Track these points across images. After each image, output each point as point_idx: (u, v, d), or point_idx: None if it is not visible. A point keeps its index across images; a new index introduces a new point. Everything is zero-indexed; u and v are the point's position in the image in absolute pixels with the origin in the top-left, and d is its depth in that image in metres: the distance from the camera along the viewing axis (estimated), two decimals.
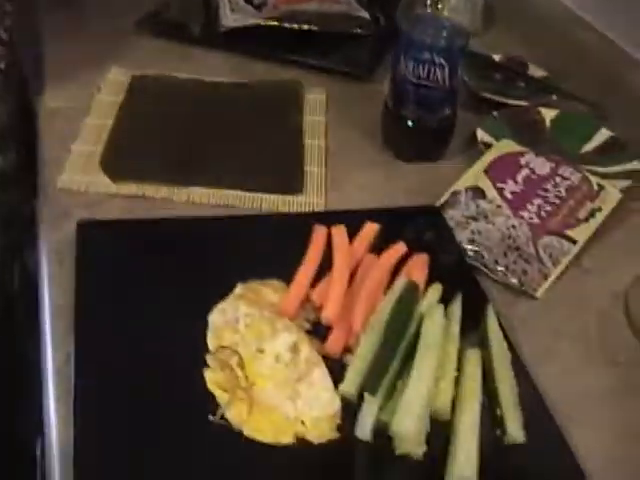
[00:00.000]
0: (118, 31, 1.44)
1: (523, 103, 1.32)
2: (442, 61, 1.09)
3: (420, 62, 1.10)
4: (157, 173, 1.10)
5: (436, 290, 0.91)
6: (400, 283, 0.90)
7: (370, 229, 0.98)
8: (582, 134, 1.27)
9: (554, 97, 1.35)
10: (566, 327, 0.96)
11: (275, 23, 1.44)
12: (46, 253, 0.99)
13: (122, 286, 0.91)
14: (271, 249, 0.96)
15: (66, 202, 1.06)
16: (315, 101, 1.30)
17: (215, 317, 0.87)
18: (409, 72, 1.12)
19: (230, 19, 1.46)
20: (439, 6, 1.09)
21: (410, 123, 1.16)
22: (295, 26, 1.45)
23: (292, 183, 1.11)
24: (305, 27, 1.45)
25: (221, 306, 0.88)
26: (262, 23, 1.44)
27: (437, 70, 1.10)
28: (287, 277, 0.92)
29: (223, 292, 0.90)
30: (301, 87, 1.32)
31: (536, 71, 1.42)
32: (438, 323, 0.85)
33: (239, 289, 0.90)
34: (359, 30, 1.48)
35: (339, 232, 0.97)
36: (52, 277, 0.95)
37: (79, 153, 1.15)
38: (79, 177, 1.10)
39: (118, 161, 1.13)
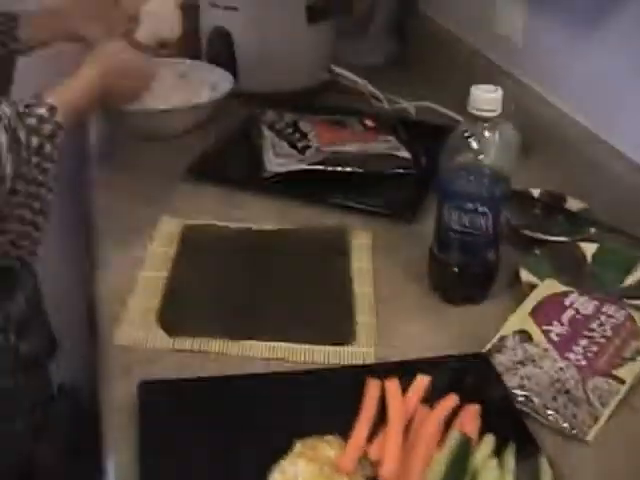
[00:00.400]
0: (166, 178, 1.50)
1: (563, 239, 1.34)
2: (485, 209, 1.13)
3: (463, 211, 1.14)
4: (210, 327, 1.14)
5: (489, 442, 0.93)
6: (454, 437, 0.92)
7: (421, 382, 1.01)
8: (623, 267, 1.29)
9: (593, 230, 1.37)
10: (618, 472, 0.97)
11: (319, 167, 1.49)
12: (107, 411, 1.02)
13: (184, 446, 0.93)
14: (327, 404, 0.99)
15: (123, 359, 1.09)
16: (362, 247, 1.33)
17: (275, 476, 0.89)
18: (453, 220, 1.15)
19: (274, 164, 1.51)
20: (479, 156, 1.12)
21: (456, 269, 1.19)
22: (338, 168, 1.49)
23: (343, 334, 1.14)
24: (348, 169, 1.49)
25: (281, 465, 0.90)
26: (306, 167, 1.49)
27: (480, 218, 1.14)
28: (344, 432, 0.94)
29: (283, 450, 0.92)
30: (347, 233, 1.36)
31: (574, 204, 1.45)
32: (493, 478, 0.87)
33: (298, 447, 0.92)
34: (401, 170, 1.52)
35: (392, 386, 0.99)
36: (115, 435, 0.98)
37: (135, 307, 1.18)
38: (136, 332, 1.14)
39: (174, 315, 1.16)
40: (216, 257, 1.29)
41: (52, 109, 1.22)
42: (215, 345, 1.12)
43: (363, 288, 1.23)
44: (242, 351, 1.11)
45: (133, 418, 0.98)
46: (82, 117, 1.39)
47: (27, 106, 1.20)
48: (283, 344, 1.11)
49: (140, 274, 1.26)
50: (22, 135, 1.15)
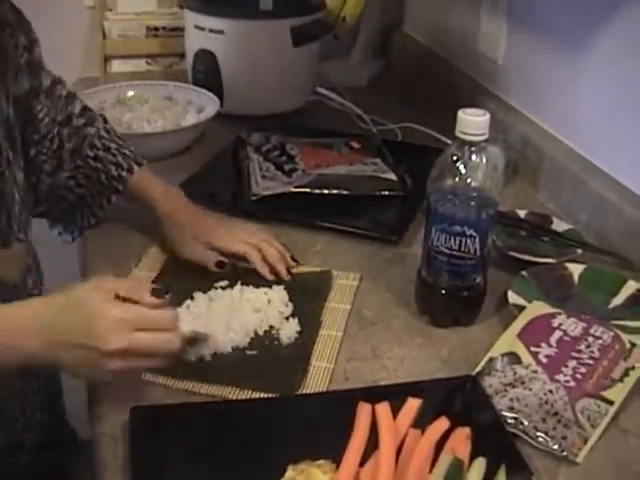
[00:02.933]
0: None
1: (550, 260, 1.35)
2: (472, 232, 1.14)
3: (451, 234, 1.15)
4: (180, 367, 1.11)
5: (480, 465, 0.93)
6: (445, 460, 0.92)
7: (412, 405, 1.01)
8: (609, 288, 1.30)
9: (579, 251, 1.38)
10: None
11: (305, 190, 1.50)
12: (99, 437, 1.02)
13: (176, 472, 0.94)
14: (318, 428, 0.99)
15: (114, 384, 1.09)
16: (344, 288, 1.31)
17: None
18: (441, 243, 1.16)
19: (261, 187, 1.51)
20: (467, 179, 1.13)
21: (444, 292, 1.19)
22: (325, 191, 1.50)
23: (291, 382, 1.11)
24: (334, 191, 1.50)
25: None
26: (292, 190, 1.49)
27: (468, 241, 1.15)
28: (335, 456, 0.95)
29: (275, 475, 0.92)
30: (332, 276, 1.34)
31: (560, 225, 1.47)
32: None
33: (290, 471, 0.92)
34: (387, 192, 1.52)
35: (383, 410, 0.99)
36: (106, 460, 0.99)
37: None
38: None
39: None
40: (189, 289, 1.26)
41: None
42: (159, 379, 1.11)
43: (330, 331, 1.21)
44: (190, 387, 1.09)
45: (123, 444, 0.99)
46: None
47: None
48: (229, 388, 1.09)
49: None
50: None
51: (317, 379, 1.11)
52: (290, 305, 1.24)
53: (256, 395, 1.08)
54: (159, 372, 1.10)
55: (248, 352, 1.15)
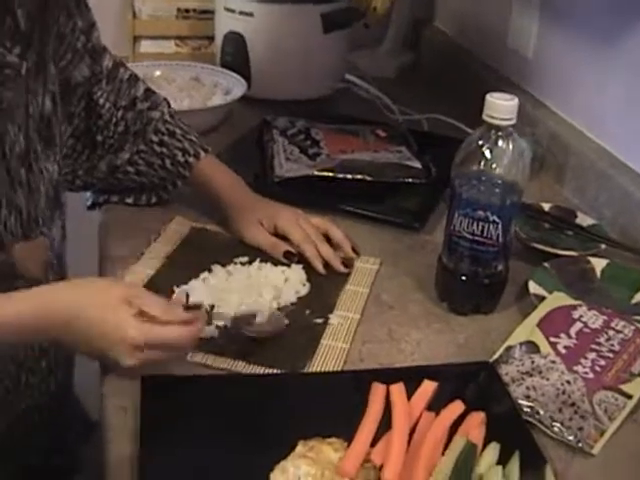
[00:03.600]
0: None
1: (573, 253, 1.34)
2: (496, 218, 1.13)
3: (474, 219, 1.14)
4: None
5: (494, 450, 0.92)
6: (458, 443, 0.91)
7: (428, 387, 1.00)
8: (632, 284, 1.29)
9: (603, 246, 1.37)
10: None
11: (329, 174, 1.49)
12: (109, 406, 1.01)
13: (184, 443, 0.93)
14: (331, 407, 0.98)
15: None
16: (364, 271, 1.31)
17: (276, 475, 0.89)
18: (463, 229, 1.15)
19: (284, 169, 1.50)
20: (492, 164, 1.12)
21: (464, 278, 1.18)
22: (349, 176, 1.49)
23: (300, 359, 1.10)
24: (358, 177, 1.49)
25: (282, 465, 0.90)
26: (316, 173, 1.48)
27: (491, 227, 1.13)
28: (347, 435, 0.94)
29: (284, 450, 0.91)
30: (351, 260, 1.33)
31: (585, 219, 1.45)
32: None
33: (300, 447, 0.91)
34: (411, 179, 1.51)
35: (398, 391, 0.98)
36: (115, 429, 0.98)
37: None
38: None
39: None
40: (206, 261, 1.26)
41: None
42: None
43: (347, 313, 1.20)
44: (203, 360, 1.09)
45: (134, 414, 0.98)
46: None
47: None
48: (242, 362, 1.08)
49: (131, 268, 1.25)
50: None
51: (330, 359, 1.10)
52: (307, 285, 1.23)
53: (266, 370, 1.07)
54: None
55: (260, 328, 1.14)
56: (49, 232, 1.21)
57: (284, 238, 1.32)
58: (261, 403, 0.99)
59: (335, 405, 0.99)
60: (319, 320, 1.17)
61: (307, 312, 1.18)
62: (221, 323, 1.13)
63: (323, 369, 1.08)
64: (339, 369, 1.09)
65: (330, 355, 1.11)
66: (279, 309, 1.18)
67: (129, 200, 1.43)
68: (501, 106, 1.10)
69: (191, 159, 1.37)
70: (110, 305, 1.00)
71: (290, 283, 1.23)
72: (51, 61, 1.19)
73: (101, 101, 1.32)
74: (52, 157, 1.19)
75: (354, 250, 1.33)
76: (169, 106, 1.43)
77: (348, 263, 1.31)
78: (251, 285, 1.21)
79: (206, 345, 1.10)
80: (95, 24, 1.30)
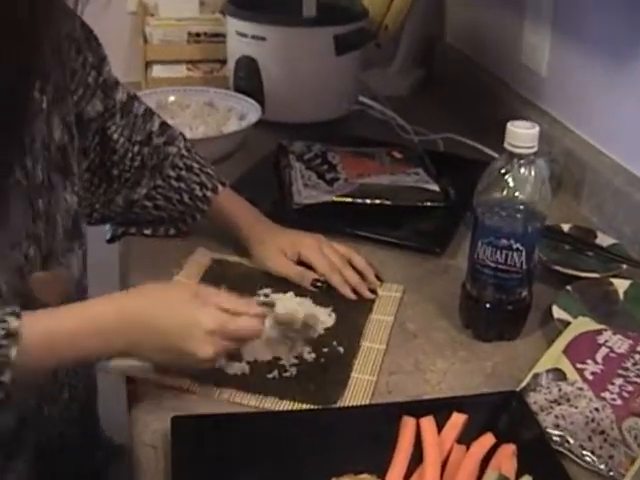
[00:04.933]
0: None
1: (595, 275, 1.33)
2: (519, 246, 1.13)
3: (497, 248, 1.14)
4: (203, 370, 1.10)
5: None
6: (491, 476, 0.91)
7: (457, 420, 1.00)
8: None
9: (624, 266, 1.36)
10: None
11: (348, 199, 1.49)
12: (138, 445, 1.01)
13: None
14: (361, 441, 0.98)
15: (155, 392, 1.10)
16: (388, 299, 1.30)
17: None
18: (487, 257, 1.15)
19: (303, 196, 1.51)
20: (515, 192, 1.12)
21: (488, 305, 1.18)
22: (367, 201, 1.49)
23: (331, 393, 1.10)
24: (377, 201, 1.49)
25: None
26: (335, 199, 1.49)
27: (514, 255, 1.13)
28: (379, 470, 0.94)
29: None
30: (374, 288, 1.32)
31: (605, 239, 1.45)
32: None
33: None
34: (429, 203, 1.51)
35: (428, 425, 0.98)
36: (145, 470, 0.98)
37: None
38: (129, 361, 1.10)
39: None
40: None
41: (11, 335, 0.93)
42: (204, 388, 1.10)
43: (373, 344, 1.20)
44: (231, 397, 1.09)
45: (164, 453, 0.98)
46: (59, 366, 1.11)
47: None
48: (270, 398, 1.08)
49: None
50: None
51: (359, 391, 1.10)
52: (333, 316, 1.23)
53: (297, 406, 1.07)
54: (199, 381, 1.10)
55: (288, 362, 1.14)
56: (68, 262, 1.20)
57: (308, 266, 1.31)
58: (292, 440, 0.99)
59: (365, 440, 0.99)
60: (347, 352, 1.17)
61: (334, 343, 1.18)
62: (252, 359, 1.13)
63: (352, 403, 1.08)
64: (367, 402, 1.08)
65: (359, 388, 1.11)
66: (308, 342, 1.18)
67: (147, 232, 1.43)
68: (522, 135, 1.10)
69: (209, 193, 1.37)
70: (183, 300, 1.05)
71: (316, 315, 1.22)
72: (69, 93, 1.20)
73: (115, 136, 1.32)
74: (70, 188, 1.19)
75: (377, 277, 1.32)
76: (185, 140, 1.43)
77: (373, 290, 1.30)
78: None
79: (235, 381, 1.10)
80: (106, 58, 1.30)
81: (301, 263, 1.33)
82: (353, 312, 1.25)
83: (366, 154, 1.69)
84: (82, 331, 0.99)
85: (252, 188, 1.56)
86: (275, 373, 1.12)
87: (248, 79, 1.92)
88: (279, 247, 1.33)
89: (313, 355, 1.15)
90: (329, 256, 1.32)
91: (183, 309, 1.04)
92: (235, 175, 1.61)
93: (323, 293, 1.28)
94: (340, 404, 1.08)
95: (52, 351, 0.98)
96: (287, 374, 1.12)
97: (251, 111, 1.85)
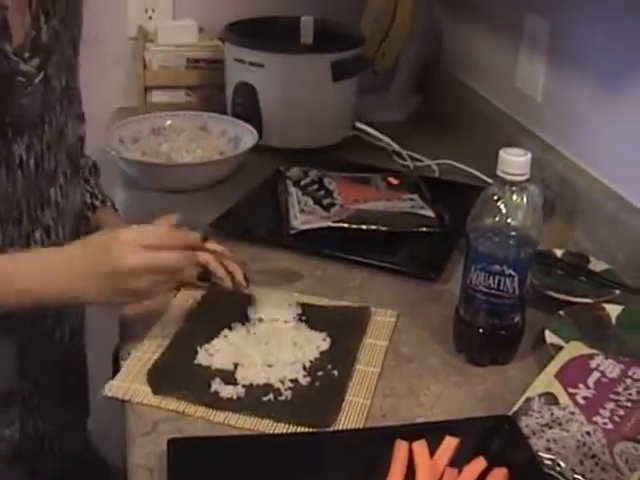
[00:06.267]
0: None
1: (587, 300, 1.35)
2: (512, 272, 1.14)
3: (490, 273, 1.15)
4: (197, 393, 1.13)
5: None
6: None
7: (450, 444, 1.01)
8: None
9: (617, 292, 1.38)
10: None
11: (344, 225, 1.50)
12: (134, 469, 1.02)
13: None
14: (354, 465, 0.99)
15: (150, 415, 1.11)
16: (382, 324, 1.31)
17: None
18: (480, 282, 1.16)
19: (299, 221, 1.52)
20: (507, 218, 1.14)
21: (481, 330, 1.20)
22: (363, 227, 1.51)
23: (323, 415, 1.11)
24: (372, 227, 1.51)
25: None
26: (331, 225, 1.50)
27: (507, 280, 1.15)
28: None
29: None
30: (369, 311, 1.33)
31: (598, 265, 1.46)
32: None
33: None
34: (424, 229, 1.53)
35: (420, 449, 0.99)
36: None
37: (136, 359, 1.20)
38: (126, 384, 1.15)
39: (163, 374, 1.16)
40: (227, 320, 1.27)
41: None
42: (199, 410, 1.11)
43: (367, 367, 1.21)
44: (226, 420, 1.09)
45: (160, 476, 0.99)
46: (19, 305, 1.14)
47: None
48: (265, 421, 1.09)
49: (149, 333, 1.26)
50: None
51: (353, 415, 1.11)
52: (328, 340, 1.24)
53: (291, 429, 1.08)
54: (195, 403, 1.11)
55: (283, 385, 1.15)
56: None
57: None
58: (287, 463, 1.00)
59: (359, 463, 1.00)
60: (341, 375, 1.18)
61: (329, 367, 1.19)
62: (246, 382, 1.15)
63: (346, 426, 1.09)
64: (361, 425, 1.09)
65: (353, 412, 1.12)
66: (304, 368, 1.18)
67: None
68: (515, 162, 1.11)
69: (97, 202, 1.43)
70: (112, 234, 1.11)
71: (311, 339, 1.24)
72: (79, 90, 1.27)
73: None
74: (76, 186, 1.26)
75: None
76: (95, 167, 1.49)
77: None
78: (272, 341, 1.22)
79: (230, 404, 1.11)
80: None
81: None
82: (347, 336, 1.26)
83: (362, 180, 1.71)
84: (38, 272, 1.08)
85: (249, 213, 1.58)
86: (270, 396, 1.12)
87: (246, 105, 1.94)
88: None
89: (308, 379, 1.16)
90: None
91: (106, 237, 1.11)
92: (232, 199, 1.63)
93: (318, 318, 1.29)
94: (334, 427, 1.09)
95: (10, 287, 1.07)
96: (282, 397, 1.13)
97: (246, 134, 1.87)
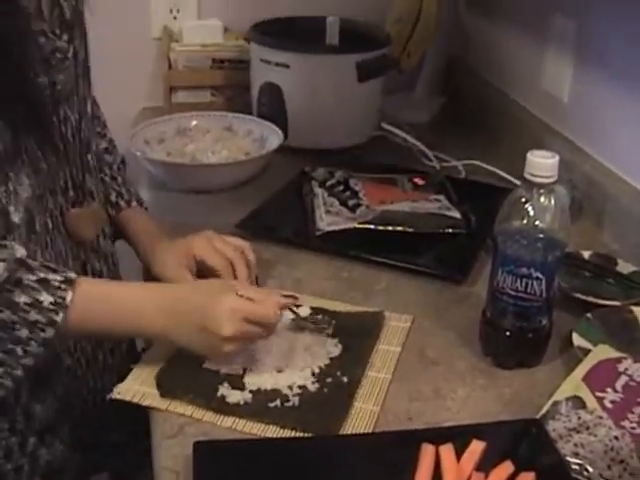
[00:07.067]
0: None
1: (615, 303, 1.34)
2: (539, 275, 1.14)
3: (518, 276, 1.15)
4: (204, 398, 1.13)
5: None
6: None
7: (476, 447, 1.00)
8: None
9: None
10: None
11: (370, 226, 1.50)
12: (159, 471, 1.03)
13: None
14: (380, 468, 0.99)
15: (176, 417, 1.11)
16: (396, 330, 1.30)
17: None
18: (507, 285, 1.16)
19: (325, 222, 1.52)
20: (535, 221, 1.13)
21: (508, 333, 1.19)
22: (389, 228, 1.50)
23: (332, 422, 1.10)
24: (399, 228, 1.50)
25: None
26: (357, 226, 1.50)
27: (534, 283, 1.14)
28: None
29: None
30: (384, 316, 1.32)
31: (626, 267, 1.45)
32: None
33: None
34: (451, 230, 1.52)
35: (447, 452, 0.99)
36: None
37: (147, 362, 1.20)
38: (135, 387, 1.15)
39: (173, 377, 1.16)
40: None
41: (68, 282, 1.06)
42: (207, 415, 1.11)
43: (378, 374, 1.20)
44: (233, 425, 1.09)
45: (186, 479, 0.99)
46: (99, 333, 1.18)
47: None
48: (271, 427, 1.08)
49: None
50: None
51: (361, 422, 1.10)
52: (340, 346, 1.23)
53: (297, 435, 1.07)
54: (202, 407, 1.11)
55: (292, 391, 1.14)
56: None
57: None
58: (314, 466, 1.00)
59: (385, 467, 0.99)
60: (351, 382, 1.17)
61: (338, 373, 1.18)
62: (254, 388, 1.14)
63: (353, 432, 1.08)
64: (369, 432, 1.09)
65: (361, 418, 1.11)
66: (312, 374, 1.18)
67: None
68: (542, 165, 1.11)
69: (122, 202, 1.42)
70: (212, 287, 1.17)
71: (322, 344, 1.23)
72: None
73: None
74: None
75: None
76: (123, 162, 1.49)
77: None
78: (283, 346, 1.22)
79: (238, 409, 1.11)
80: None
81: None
82: (359, 342, 1.25)
83: (388, 181, 1.71)
84: (128, 307, 1.11)
85: (275, 214, 1.58)
86: (277, 402, 1.12)
87: (271, 105, 1.94)
88: (177, 261, 1.32)
89: (317, 385, 1.15)
90: (222, 251, 1.32)
91: (210, 293, 1.13)
92: (258, 200, 1.63)
93: (330, 325, 1.28)
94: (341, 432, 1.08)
95: (102, 312, 1.10)
96: (289, 404, 1.12)
97: (271, 135, 1.87)
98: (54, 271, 1.06)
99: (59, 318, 1.03)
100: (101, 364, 1.34)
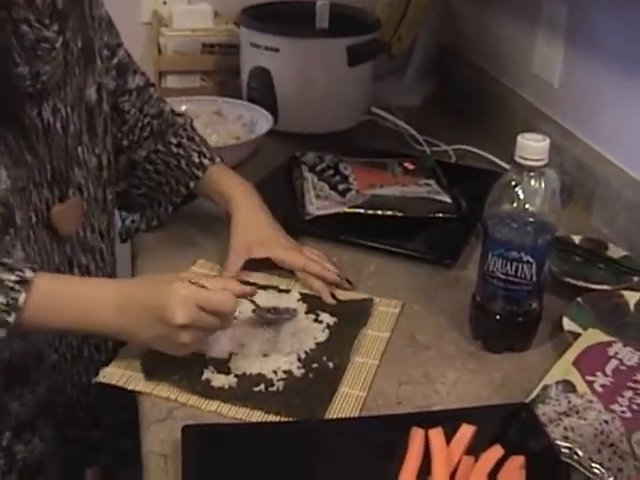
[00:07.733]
0: (205, 220, 1.51)
1: (606, 287, 1.33)
2: (529, 258, 1.13)
3: (508, 260, 1.14)
4: (189, 381, 1.13)
5: None
6: None
7: (466, 431, 1.00)
8: None
9: (635, 278, 1.36)
10: None
11: (359, 210, 1.49)
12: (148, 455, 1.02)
13: None
14: (370, 452, 0.99)
15: (164, 402, 1.11)
16: (385, 315, 1.29)
17: None
18: (497, 269, 1.15)
19: (315, 206, 1.51)
20: (525, 204, 1.12)
21: (498, 317, 1.19)
22: (379, 212, 1.50)
23: (315, 406, 1.09)
24: (388, 213, 1.50)
25: None
26: (346, 210, 1.49)
27: (524, 267, 1.14)
28: None
29: None
30: (373, 302, 1.31)
31: (616, 251, 1.45)
32: None
33: None
34: (441, 214, 1.52)
35: (436, 436, 0.99)
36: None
37: (132, 346, 1.19)
38: (121, 370, 1.15)
39: (158, 361, 1.14)
40: None
41: (23, 282, 1.04)
42: (192, 399, 1.10)
43: (365, 359, 1.19)
44: (218, 409, 1.09)
45: (174, 462, 0.99)
46: (61, 328, 1.15)
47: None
48: (255, 411, 1.08)
49: None
50: None
51: (346, 407, 1.10)
52: (327, 332, 1.23)
53: (281, 420, 1.07)
54: (187, 391, 1.11)
55: (276, 376, 1.14)
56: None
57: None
58: (302, 450, 1.00)
59: (374, 450, 0.99)
60: (336, 367, 1.16)
61: (324, 359, 1.17)
62: (239, 372, 1.14)
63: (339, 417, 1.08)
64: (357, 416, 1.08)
65: (346, 404, 1.10)
66: (299, 359, 1.17)
67: (154, 223, 1.49)
68: (533, 147, 1.10)
69: (206, 161, 1.43)
70: (166, 279, 1.11)
71: (309, 330, 1.23)
72: (97, 53, 1.28)
73: (127, 107, 1.40)
74: (92, 148, 1.28)
75: (348, 281, 1.35)
76: (192, 121, 1.51)
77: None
78: (270, 331, 1.22)
79: (222, 394, 1.11)
80: (122, 44, 1.39)
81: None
82: (346, 328, 1.24)
83: (378, 165, 1.70)
84: (80, 305, 1.08)
85: (264, 198, 1.56)
86: (262, 387, 1.11)
87: (261, 89, 1.93)
88: (248, 240, 1.35)
89: (302, 370, 1.15)
90: (305, 253, 1.36)
91: (163, 283, 1.09)
92: None
93: (317, 309, 1.28)
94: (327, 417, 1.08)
95: (57, 310, 1.07)
96: (273, 388, 1.11)
97: (261, 119, 1.87)
98: (10, 270, 1.04)
99: (11, 319, 1.02)
100: (86, 360, 1.34)
